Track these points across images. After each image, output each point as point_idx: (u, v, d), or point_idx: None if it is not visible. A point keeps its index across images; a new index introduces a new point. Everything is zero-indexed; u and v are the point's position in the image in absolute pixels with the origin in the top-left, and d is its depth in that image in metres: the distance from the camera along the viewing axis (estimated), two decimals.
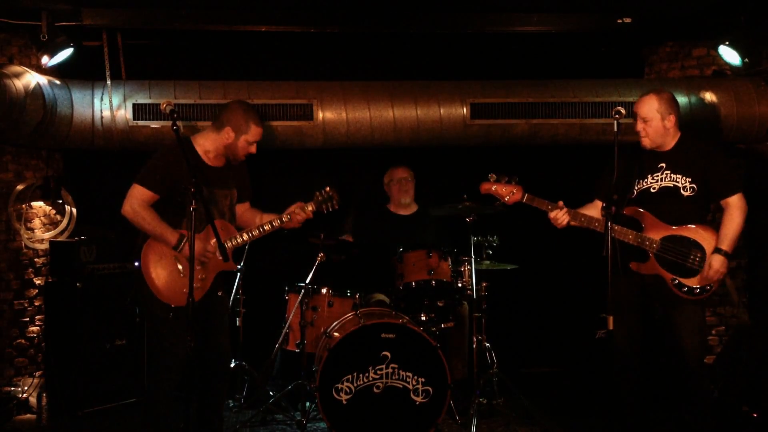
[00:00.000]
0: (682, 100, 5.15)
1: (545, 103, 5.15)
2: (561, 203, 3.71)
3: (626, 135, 3.98)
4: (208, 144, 3.75)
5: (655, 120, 3.72)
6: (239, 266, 4.87)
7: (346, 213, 5.15)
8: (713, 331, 5.51)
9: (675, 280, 3.68)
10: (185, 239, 3.56)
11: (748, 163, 5.56)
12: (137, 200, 3.57)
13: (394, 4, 4.89)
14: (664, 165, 3.77)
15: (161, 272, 3.60)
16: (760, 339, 4.60)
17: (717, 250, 3.64)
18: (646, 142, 3.77)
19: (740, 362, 4.59)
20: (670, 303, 3.73)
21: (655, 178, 3.77)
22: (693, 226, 3.71)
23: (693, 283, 3.67)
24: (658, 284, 3.73)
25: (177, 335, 3.58)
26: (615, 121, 3.56)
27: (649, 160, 3.80)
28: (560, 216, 3.68)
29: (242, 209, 3.98)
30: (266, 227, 3.79)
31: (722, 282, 3.78)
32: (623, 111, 3.59)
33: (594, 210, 3.85)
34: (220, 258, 3.56)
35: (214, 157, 3.76)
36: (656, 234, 3.70)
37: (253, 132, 3.76)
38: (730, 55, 5.07)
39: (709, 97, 5.19)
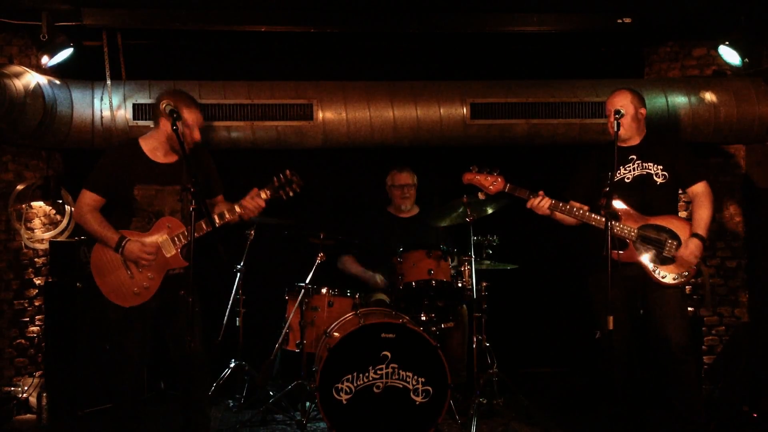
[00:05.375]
0: (682, 100, 5.17)
1: (545, 103, 5.15)
2: (541, 192, 3.80)
3: (604, 135, 4.02)
4: (152, 141, 3.70)
5: (629, 111, 3.83)
6: (239, 266, 4.87)
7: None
8: (713, 331, 5.52)
9: (655, 268, 3.75)
10: (125, 241, 3.55)
11: (747, 163, 5.57)
12: (83, 204, 3.60)
13: (394, 4, 4.89)
14: (634, 156, 3.89)
15: (110, 275, 3.60)
16: (760, 339, 4.61)
17: (693, 235, 3.76)
18: (620, 132, 3.82)
19: (740, 362, 4.60)
20: (650, 291, 3.82)
21: (628, 168, 3.89)
22: (668, 216, 3.82)
23: (671, 270, 3.75)
24: (639, 274, 3.80)
25: (129, 336, 3.62)
26: (615, 121, 3.58)
27: (620, 154, 3.85)
28: (538, 204, 3.78)
29: (213, 203, 3.89)
30: (217, 220, 3.63)
31: (699, 270, 3.85)
32: (623, 111, 3.61)
33: None
34: (168, 255, 3.59)
35: (164, 153, 3.70)
36: (633, 224, 3.79)
37: (187, 116, 3.60)
38: (730, 55, 5.08)
39: (709, 97, 5.19)
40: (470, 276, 4.52)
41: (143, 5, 4.74)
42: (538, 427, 4.48)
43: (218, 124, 4.95)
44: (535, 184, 3.87)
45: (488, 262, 4.78)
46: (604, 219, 3.66)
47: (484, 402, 4.60)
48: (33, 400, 4.81)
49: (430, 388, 4.09)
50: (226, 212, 3.68)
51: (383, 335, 4.09)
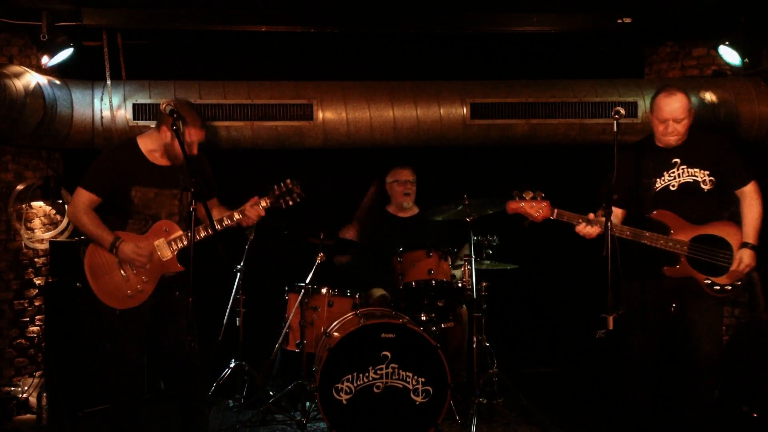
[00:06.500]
0: None
1: (545, 103, 5.15)
2: (591, 215, 3.61)
3: (624, 135, 3.97)
4: (151, 143, 3.68)
5: (687, 119, 3.67)
6: (239, 266, 4.87)
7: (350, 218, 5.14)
8: None
9: (708, 280, 3.65)
10: (119, 241, 3.53)
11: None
12: (78, 203, 3.57)
13: (394, 4, 4.89)
14: (678, 161, 3.72)
15: (104, 276, 3.58)
16: (760, 339, 4.60)
17: (744, 245, 3.63)
18: (674, 142, 3.69)
19: (740, 362, 4.59)
20: (695, 302, 3.70)
21: (672, 174, 3.73)
22: (717, 223, 3.69)
23: (723, 281, 3.65)
24: (686, 285, 3.69)
25: (125, 337, 3.61)
26: (615, 121, 3.56)
27: (661, 157, 3.75)
28: (591, 230, 3.59)
29: (209, 206, 3.82)
30: (216, 226, 3.61)
31: (750, 278, 3.77)
32: (623, 111, 3.59)
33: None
34: (164, 260, 3.58)
35: (161, 155, 3.69)
36: (684, 236, 3.66)
37: (189, 132, 3.59)
38: (730, 55, 5.08)
39: (709, 97, 5.19)
40: (470, 276, 4.52)
41: (143, 5, 4.74)
42: (538, 427, 4.48)
43: (218, 124, 4.95)
44: (535, 185, 3.84)
45: (488, 262, 4.78)
46: (653, 235, 3.59)
47: (484, 402, 4.59)
48: (33, 400, 4.81)
49: (430, 388, 4.09)
50: (225, 218, 3.69)
51: (383, 335, 4.09)
